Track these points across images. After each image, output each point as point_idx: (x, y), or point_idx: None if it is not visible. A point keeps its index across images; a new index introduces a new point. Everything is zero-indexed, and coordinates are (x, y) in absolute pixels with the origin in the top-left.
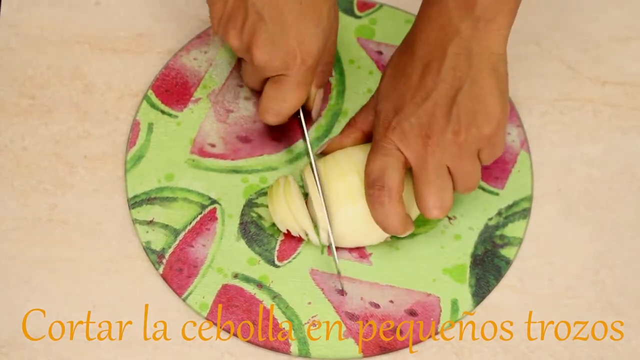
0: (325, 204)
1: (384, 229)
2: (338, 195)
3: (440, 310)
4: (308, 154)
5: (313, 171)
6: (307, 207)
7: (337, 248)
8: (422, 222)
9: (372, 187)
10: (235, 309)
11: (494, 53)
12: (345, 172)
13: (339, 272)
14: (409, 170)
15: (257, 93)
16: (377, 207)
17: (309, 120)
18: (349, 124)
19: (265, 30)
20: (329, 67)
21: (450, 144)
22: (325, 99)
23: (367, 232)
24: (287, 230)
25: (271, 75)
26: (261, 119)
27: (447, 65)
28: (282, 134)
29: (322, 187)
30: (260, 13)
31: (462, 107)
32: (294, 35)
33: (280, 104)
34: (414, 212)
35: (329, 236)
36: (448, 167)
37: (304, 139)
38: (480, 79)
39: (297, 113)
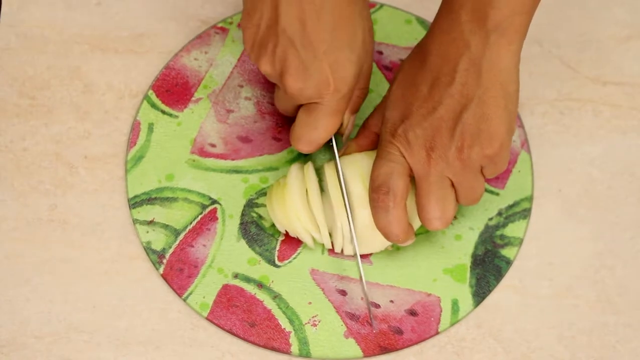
0: (328, 210)
1: (386, 236)
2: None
3: (441, 310)
4: (340, 182)
5: (346, 206)
6: (310, 205)
7: (337, 254)
8: None
9: (377, 191)
10: (236, 309)
11: (504, 70)
12: (348, 179)
13: (366, 296)
14: (413, 180)
15: (289, 119)
16: (381, 212)
17: (339, 145)
18: (363, 127)
19: (297, 58)
20: (364, 92)
21: (453, 159)
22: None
23: (368, 240)
24: (287, 231)
25: (304, 103)
26: (294, 147)
27: (456, 81)
28: (282, 134)
29: (326, 194)
30: (291, 39)
31: (467, 125)
32: (328, 63)
33: (313, 132)
34: (416, 224)
35: (354, 247)
36: (451, 180)
37: (336, 165)
38: (487, 98)
39: (330, 139)
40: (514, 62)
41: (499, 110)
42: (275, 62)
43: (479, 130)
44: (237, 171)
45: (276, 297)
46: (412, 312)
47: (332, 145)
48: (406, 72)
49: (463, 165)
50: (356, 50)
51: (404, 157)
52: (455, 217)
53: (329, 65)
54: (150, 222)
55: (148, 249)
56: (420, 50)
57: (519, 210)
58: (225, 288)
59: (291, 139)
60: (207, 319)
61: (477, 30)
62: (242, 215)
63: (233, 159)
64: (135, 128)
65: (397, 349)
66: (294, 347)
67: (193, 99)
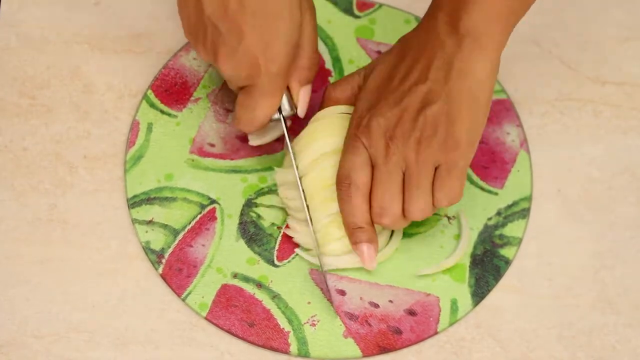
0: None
1: (349, 228)
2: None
3: (440, 310)
4: (290, 156)
5: (299, 186)
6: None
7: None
8: (422, 222)
9: (340, 184)
10: (235, 309)
11: (475, 76)
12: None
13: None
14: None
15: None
16: (345, 202)
17: (297, 118)
18: (342, 80)
19: (224, 44)
20: (312, 61)
21: (410, 150)
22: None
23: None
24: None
25: (241, 86)
26: (235, 127)
27: (427, 77)
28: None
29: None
30: (216, 26)
31: (429, 118)
32: (255, 44)
33: (251, 113)
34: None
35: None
36: (403, 182)
37: (286, 141)
38: (454, 98)
39: (279, 114)
40: (488, 71)
41: (463, 114)
42: (207, 50)
43: (440, 126)
44: (236, 171)
45: (275, 296)
46: (411, 312)
47: (283, 124)
48: (386, 65)
49: (417, 159)
50: (285, 24)
51: (366, 148)
52: (454, 217)
53: (257, 46)
54: (150, 222)
55: (147, 249)
56: (402, 46)
57: (518, 210)
58: (224, 288)
59: (232, 120)
60: (206, 318)
61: (451, 33)
62: (241, 215)
63: (232, 159)
64: (134, 128)
65: (396, 349)
66: (293, 347)
67: (192, 98)
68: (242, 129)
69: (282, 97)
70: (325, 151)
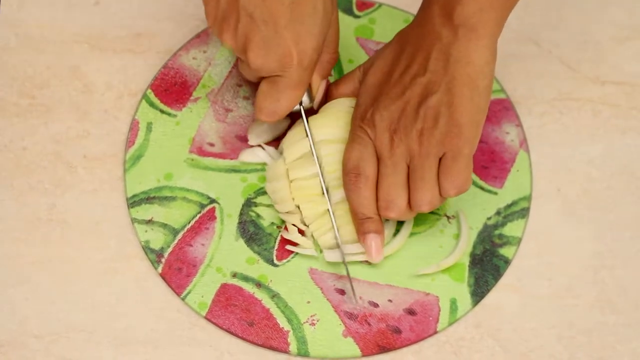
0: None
1: (358, 218)
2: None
3: (439, 310)
4: (311, 147)
5: (320, 173)
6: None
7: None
8: (421, 221)
9: (349, 175)
10: (234, 308)
11: (473, 64)
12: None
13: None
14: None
15: (254, 89)
16: (354, 193)
17: (311, 112)
18: (344, 77)
19: (257, 33)
20: (334, 57)
21: (413, 142)
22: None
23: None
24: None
25: (267, 76)
26: (256, 117)
27: (426, 69)
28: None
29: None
30: (251, 15)
31: (431, 108)
32: (289, 36)
33: (275, 104)
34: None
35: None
36: (408, 176)
37: (307, 133)
38: (453, 87)
39: (299, 106)
40: (486, 58)
41: (464, 101)
42: (237, 38)
43: (441, 116)
44: (235, 170)
45: (275, 296)
46: (411, 312)
47: (301, 111)
48: (385, 59)
49: (420, 150)
50: (317, 22)
51: (371, 140)
52: (453, 217)
53: (291, 39)
54: (149, 221)
55: (147, 248)
56: (399, 40)
57: (518, 210)
58: (224, 287)
59: (254, 109)
60: (205, 318)
61: (447, 24)
62: (241, 214)
63: (232, 158)
64: (133, 127)
65: (395, 348)
66: (293, 346)
67: (192, 98)
68: (263, 118)
69: (306, 90)
70: (327, 139)
